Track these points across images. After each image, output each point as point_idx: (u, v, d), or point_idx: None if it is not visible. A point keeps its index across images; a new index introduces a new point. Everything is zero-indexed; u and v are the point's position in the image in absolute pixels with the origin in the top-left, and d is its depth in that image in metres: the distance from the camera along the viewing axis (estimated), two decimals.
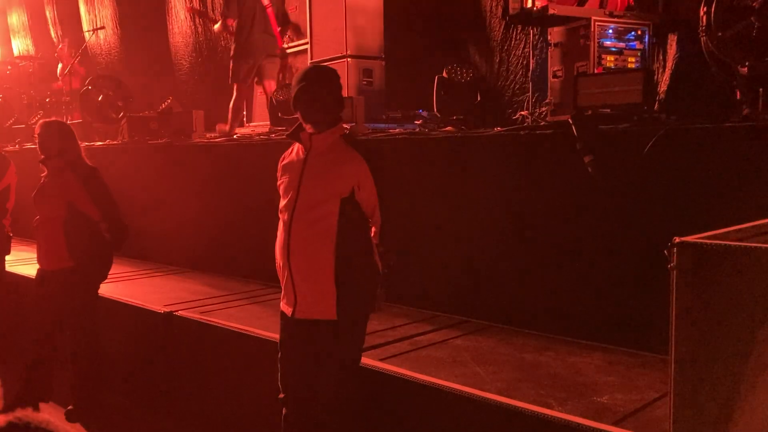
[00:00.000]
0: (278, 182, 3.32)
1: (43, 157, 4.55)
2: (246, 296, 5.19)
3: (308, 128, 3.21)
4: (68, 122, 9.63)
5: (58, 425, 1.06)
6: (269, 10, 6.97)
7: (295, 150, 3.31)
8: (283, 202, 3.25)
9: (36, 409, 4.34)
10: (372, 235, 3.26)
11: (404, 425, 3.39)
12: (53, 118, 4.99)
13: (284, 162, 3.34)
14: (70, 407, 4.55)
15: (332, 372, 3.21)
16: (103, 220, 4.45)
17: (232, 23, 7.01)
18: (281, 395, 3.35)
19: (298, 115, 3.23)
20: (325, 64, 6.60)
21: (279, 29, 7.10)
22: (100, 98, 8.87)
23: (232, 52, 7.14)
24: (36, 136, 4.62)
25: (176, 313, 4.73)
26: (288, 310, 3.24)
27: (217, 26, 7.39)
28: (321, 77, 3.21)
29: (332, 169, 3.15)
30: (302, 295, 3.17)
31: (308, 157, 3.20)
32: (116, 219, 4.52)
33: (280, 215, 3.25)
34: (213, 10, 8.51)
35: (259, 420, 4.01)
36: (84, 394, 4.55)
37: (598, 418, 2.81)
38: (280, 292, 3.33)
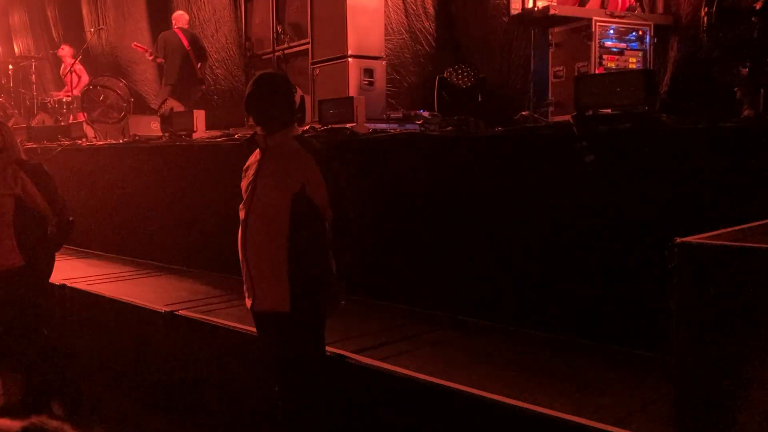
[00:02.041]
0: (241, 184, 3.46)
1: None
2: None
3: (260, 131, 3.36)
4: (70, 122, 9.71)
5: None
6: (188, 49, 9.01)
7: (256, 153, 3.46)
8: (242, 202, 3.39)
9: (50, 409, 4.34)
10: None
11: (404, 425, 3.39)
12: None
13: (246, 166, 3.49)
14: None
15: (292, 364, 3.32)
16: (52, 215, 4.35)
17: (161, 60, 9.16)
18: (277, 388, 3.43)
19: (251, 120, 3.40)
20: (327, 63, 6.63)
21: (198, 65, 9.16)
22: (101, 98, 8.89)
23: (162, 83, 9.29)
24: None
25: (177, 313, 4.73)
26: (248, 304, 3.39)
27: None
28: (270, 83, 3.38)
29: (283, 167, 3.29)
30: (259, 288, 3.31)
31: (263, 158, 3.35)
32: (64, 213, 4.42)
33: (239, 214, 3.38)
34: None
35: (260, 418, 4.02)
36: (70, 389, 4.52)
37: (598, 418, 2.80)
38: None
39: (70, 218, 4.47)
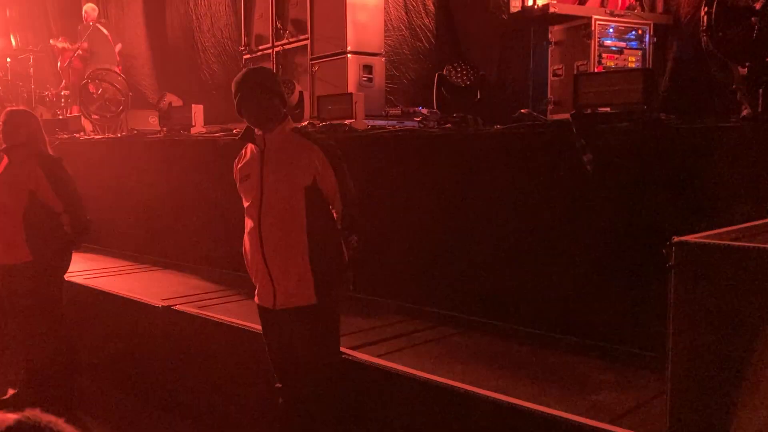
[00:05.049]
0: (238, 185, 3.38)
1: (5, 146, 4.40)
2: (244, 291, 5.17)
3: (257, 131, 3.29)
4: (68, 115, 9.69)
5: (65, 426, 1.06)
6: (111, 40, 10.10)
7: (249, 152, 3.37)
8: (247, 203, 3.31)
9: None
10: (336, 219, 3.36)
11: (401, 422, 3.40)
12: (21, 107, 4.85)
13: (240, 165, 3.39)
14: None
15: (317, 356, 3.31)
16: (66, 212, 4.32)
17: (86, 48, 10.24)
18: (278, 385, 3.41)
19: (245, 121, 3.31)
20: (326, 59, 6.62)
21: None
22: (99, 92, 8.86)
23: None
24: (1, 124, 4.43)
25: (174, 308, 4.73)
26: (268, 303, 3.32)
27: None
28: (255, 82, 3.25)
29: (290, 162, 3.24)
30: (281, 286, 3.26)
31: (264, 155, 3.27)
32: (79, 212, 4.38)
33: (247, 215, 3.32)
34: None
35: (257, 413, 4.02)
36: (60, 388, 4.50)
37: (594, 416, 2.81)
38: None
39: (87, 217, 4.43)
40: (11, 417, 1.03)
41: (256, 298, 3.40)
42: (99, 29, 10.13)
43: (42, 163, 4.32)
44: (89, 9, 10.39)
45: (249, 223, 3.31)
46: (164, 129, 7.48)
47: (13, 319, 4.46)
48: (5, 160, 4.43)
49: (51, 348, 4.40)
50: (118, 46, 10.38)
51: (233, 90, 3.27)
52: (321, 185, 3.25)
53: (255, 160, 3.30)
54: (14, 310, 4.38)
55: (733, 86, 3.81)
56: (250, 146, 3.35)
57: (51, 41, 11.11)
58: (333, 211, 3.35)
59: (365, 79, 6.43)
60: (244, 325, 4.18)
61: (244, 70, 3.40)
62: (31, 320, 4.36)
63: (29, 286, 4.29)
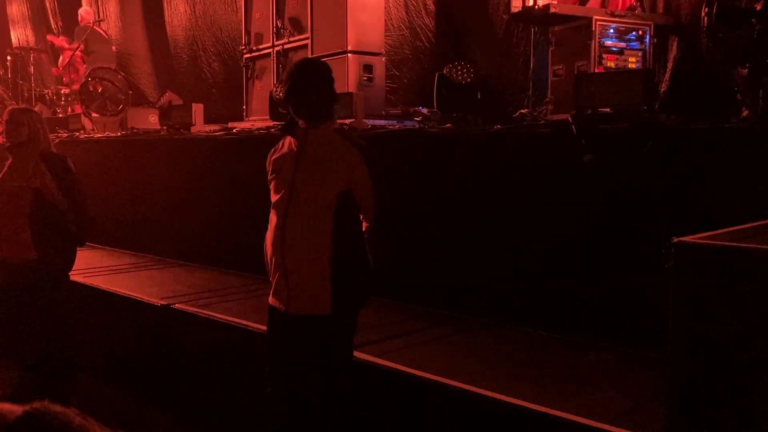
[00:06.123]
0: (269, 177, 3.25)
1: (8, 144, 4.38)
2: (244, 290, 5.19)
3: (302, 123, 3.15)
4: (68, 114, 9.69)
5: (74, 417, 1.05)
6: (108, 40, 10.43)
7: (287, 144, 3.21)
8: (276, 198, 3.18)
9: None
10: (363, 229, 3.24)
11: (399, 421, 3.40)
12: (23, 105, 4.82)
13: (275, 157, 3.25)
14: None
15: (326, 367, 3.20)
16: (71, 211, 4.32)
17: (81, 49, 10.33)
18: (268, 390, 3.30)
19: (290, 110, 3.19)
20: (326, 59, 6.62)
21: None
22: (99, 90, 8.86)
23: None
24: (4, 122, 4.41)
25: (174, 306, 4.73)
26: (280, 306, 3.18)
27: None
28: (312, 72, 3.14)
29: (327, 163, 3.10)
30: (296, 291, 3.11)
31: (301, 151, 3.12)
32: (84, 210, 4.39)
33: (274, 211, 3.18)
34: None
35: (255, 413, 4.02)
36: (63, 388, 4.50)
37: (593, 417, 2.81)
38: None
39: (91, 215, 4.44)
40: (19, 408, 1.02)
41: (269, 298, 3.27)
42: (96, 31, 10.15)
43: (47, 161, 4.33)
44: (83, 12, 10.47)
45: (273, 219, 3.17)
46: (164, 128, 7.49)
47: (15, 317, 4.45)
48: (9, 158, 4.44)
49: (53, 346, 4.41)
50: (114, 48, 10.41)
51: (285, 77, 3.14)
52: (355, 192, 3.12)
53: (291, 154, 3.16)
54: (18, 307, 4.38)
55: (735, 87, 3.82)
56: (288, 139, 3.20)
57: (48, 38, 11.13)
58: (364, 219, 3.23)
59: (365, 78, 6.43)
60: (244, 325, 4.18)
61: (302, 59, 3.26)
62: (35, 318, 4.36)
63: (34, 284, 4.30)
